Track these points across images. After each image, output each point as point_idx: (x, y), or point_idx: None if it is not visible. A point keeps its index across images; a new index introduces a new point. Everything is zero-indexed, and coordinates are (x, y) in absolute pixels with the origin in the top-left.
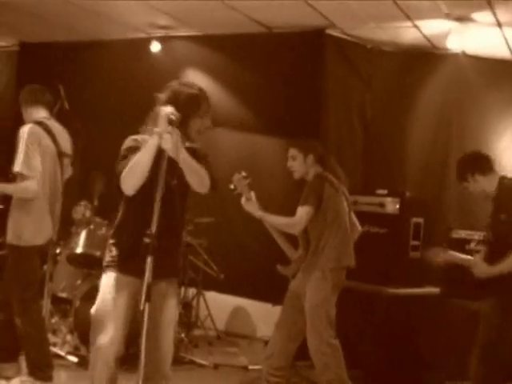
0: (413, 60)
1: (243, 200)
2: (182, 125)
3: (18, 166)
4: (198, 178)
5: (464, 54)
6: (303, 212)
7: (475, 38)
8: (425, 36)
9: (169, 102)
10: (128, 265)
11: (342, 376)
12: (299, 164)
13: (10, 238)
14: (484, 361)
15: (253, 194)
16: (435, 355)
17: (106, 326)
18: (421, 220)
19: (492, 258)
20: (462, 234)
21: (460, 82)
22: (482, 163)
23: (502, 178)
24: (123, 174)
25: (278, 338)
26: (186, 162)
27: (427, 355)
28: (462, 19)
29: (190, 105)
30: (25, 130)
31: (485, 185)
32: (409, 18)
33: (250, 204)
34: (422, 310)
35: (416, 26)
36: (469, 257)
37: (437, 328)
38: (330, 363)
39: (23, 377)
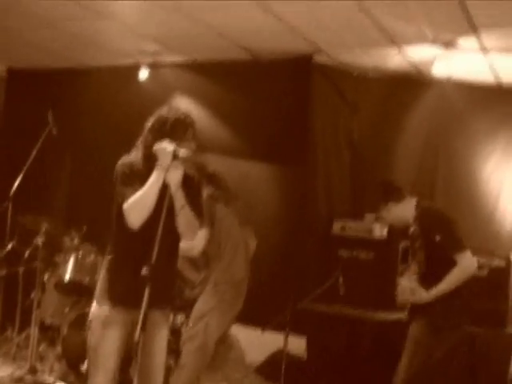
0: (399, 86)
1: None
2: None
3: None
4: (187, 227)
5: (450, 80)
6: (201, 233)
7: (461, 64)
8: (410, 62)
9: (156, 128)
10: (122, 295)
11: None
12: None
13: None
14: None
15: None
16: (424, 377)
17: (99, 364)
18: (408, 243)
19: (426, 280)
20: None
21: (446, 107)
22: (393, 192)
23: (419, 202)
24: (128, 207)
25: None
26: (181, 204)
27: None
28: (447, 45)
29: (176, 130)
30: None
31: (400, 211)
32: (394, 43)
33: None
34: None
35: (402, 53)
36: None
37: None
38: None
39: None
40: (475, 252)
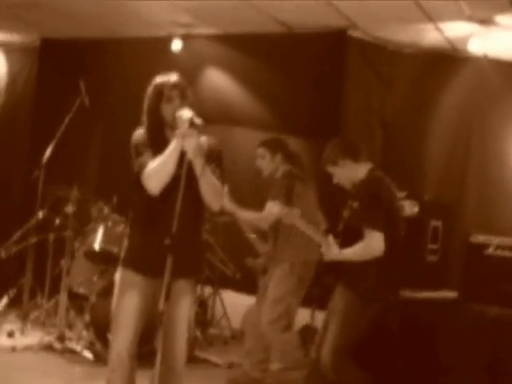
0: (434, 62)
1: None
2: (155, 113)
3: None
4: (211, 191)
5: (485, 57)
6: (272, 208)
7: (497, 41)
8: (446, 38)
9: (155, 96)
10: (143, 264)
11: (299, 362)
12: (267, 162)
13: None
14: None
15: (225, 187)
16: (452, 360)
17: (120, 325)
18: (439, 223)
19: (344, 242)
20: (480, 238)
21: (481, 85)
22: (354, 150)
23: (372, 170)
24: (147, 173)
25: (252, 335)
26: (201, 170)
27: (444, 360)
28: (484, 22)
29: (154, 94)
30: None
31: (352, 171)
32: (431, 19)
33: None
34: (440, 313)
35: (438, 28)
36: (318, 233)
37: (454, 332)
38: (286, 350)
39: None
40: (506, 233)
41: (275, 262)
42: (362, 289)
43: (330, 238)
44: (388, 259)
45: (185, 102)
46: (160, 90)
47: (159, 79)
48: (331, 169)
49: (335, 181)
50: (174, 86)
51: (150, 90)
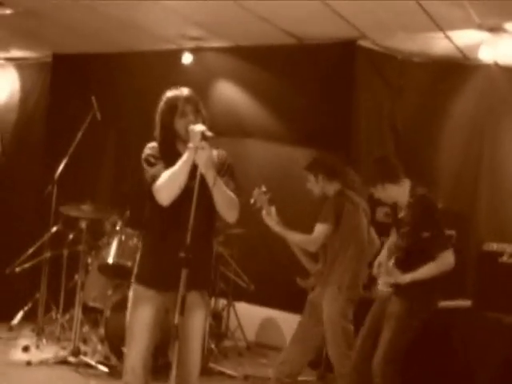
0: (444, 71)
1: (263, 214)
2: (169, 127)
3: None
4: (225, 203)
5: (496, 65)
6: (321, 230)
7: (507, 48)
8: (456, 47)
9: (169, 110)
10: (156, 278)
11: None
12: (313, 185)
13: None
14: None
15: (273, 208)
16: (468, 368)
17: (134, 339)
18: (453, 232)
19: (405, 264)
20: (494, 246)
21: (492, 92)
22: (392, 171)
23: (413, 188)
24: (158, 184)
25: (293, 349)
26: (215, 182)
27: (460, 368)
28: (494, 29)
29: (167, 108)
30: None
31: (395, 193)
32: (440, 28)
33: (270, 218)
34: (455, 322)
35: (447, 37)
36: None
37: (469, 341)
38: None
39: None
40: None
41: (325, 283)
42: (410, 294)
43: (390, 266)
44: None
45: (198, 116)
46: (173, 105)
47: (171, 93)
48: (372, 189)
49: (377, 198)
50: (188, 100)
51: (162, 104)
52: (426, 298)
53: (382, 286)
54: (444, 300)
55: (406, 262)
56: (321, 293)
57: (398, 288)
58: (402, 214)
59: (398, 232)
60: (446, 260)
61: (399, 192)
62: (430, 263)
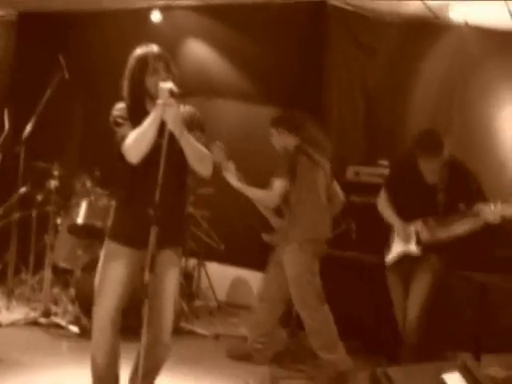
0: (415, 30)
1: (223, 170)
2: (139, 85)
3: None
4: (197, 157)
5: (467, 25)
6: (276, 184)
7: (478, 8)
8: (427, 6)
9: (139, 67)
10: (129, 235)
11: (335, 340)
12: (275, 139)
13: None
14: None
15: (232, 164)
16: (436, 325)
17: (103, 296)
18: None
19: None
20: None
21: (462, 52)
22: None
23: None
24: (127, 143)
25: (261, 309)
26: (185, 138)
27: (428, 325)
28: None
29: (138, 66)
30: None
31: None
32: None
33: (229, 174)
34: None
35: None
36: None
37: (438, 298)
38: (322, 329)
39: None
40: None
41: (286, 239)
42: (448, 256)
43: (420, 224)
44: None
45: (169, 73)
46: (144, 62)
47: (141, 50)
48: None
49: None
50: (159, 57)
51: (132, 61)
52: (453, 256)
53: (413, 248)
54: None
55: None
56: (282, 249)
57: (434, 246)
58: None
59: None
60: (486, 211)
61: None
62: (468, 218)
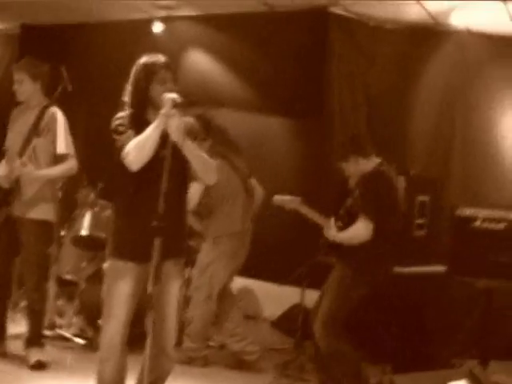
0: (416, 37)
1: None
2: (143, 92)
3: (65, 148)
4: (203, 166)
5: (468, 31)
6: (193, 188)
7: (479, 13)
8: (428, 13)
9: (131, 74)
10: (131, 250)
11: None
12: None
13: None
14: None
15: None
16: (441, 333)
17: (111, 314)
18: (426, 198)
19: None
20: (467, 211)
21: (464, 58)
22: (367, 147)
23: (380, 164)
24: (128, 149)
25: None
26: (190, 149)
27: (433, 333)
28: None
29: (145, 74)
30: (58, 113)
31: (362, 167)
32: None
33: None
34: (428, 287)
35: (419, 3)
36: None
37: (443, 306)
38: (203, 316)
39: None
40: (493, 206)
41: (203, 238)
42: (353, 262)
43: (331, 221)
44: (378, 238)
45: (176, 85)
46: (152, 71)
47: (149, 59)
48: (344, 165)
49: (346, 174)
50: (168, 67)
51: (138, 69)
52: (361, 262)
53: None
54: (418, 265)
55: (343, 223)
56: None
57: (339, 253)
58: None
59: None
60: (363, 229)
61: (366, 166)
62: (351, 226)
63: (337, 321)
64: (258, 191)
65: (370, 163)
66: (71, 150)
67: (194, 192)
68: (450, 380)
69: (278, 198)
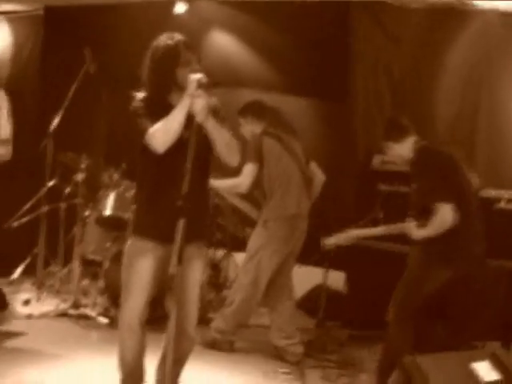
0: (441, 17)
1: None
2: (167, 76)
3: (7, 133)
4: (226, 148)
5: (493, 11)
6: (246, 170)
7: None
8: None
9: (149, 58)
10: (154, 230)
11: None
12: (244, 127)
13: None
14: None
15: None
16: (461, 315)
17: (131, 293)
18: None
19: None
20: (491, 193)
21: (489, 38)
22: (393, 131)
23: (415, 143)
24: (153, 131)
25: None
26: (215, 129)
27: (453, 315)
28: None
29: (168, 56)
30: (2, 96)
31: (399, 151)
32: None
33: None
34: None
35: None
36: (400, 225)
37: (464, 288)
38: (244, 301)
39: None
40: None
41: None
42: (429, 251)
43: (411, 222)
44: (458, 226)
45: (200, 65)
46: (175, 52)
47: (170, 40)
48: (387, 146)
49: (391, 158)
50: (191, 48)
51: (161, 50)
52: (439, 251)
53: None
54: None
55: (419, 218)
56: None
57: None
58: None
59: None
60: (445, 214)
61: (402, 149)
62: (432, 219)
63: (405, 307)
64: (319, 175)
65: (406, 145)
66: (10, 136)
67: (247, 173)
68: (473, 361)
69: (331, 240)
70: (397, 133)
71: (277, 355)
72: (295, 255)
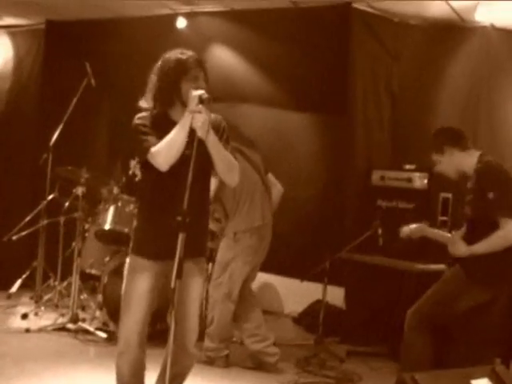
0: (440, 33)
1: None
2: (173, 88)
3: None
4: (226, 166)
5: (493, 27)
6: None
7: (504, 9)
8: (452, 8)
9: (159, 69)
10: (154, 250)
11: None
12: None
13: None
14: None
15: None
16: (464, 331)
17: (130, 310)
18: (449, 195)
19: (470, 236)
20: None
21: (488, 55)
22: (461, 140)
23: (483, 156)
24: (156, 149)
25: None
26: (215, 146)
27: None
28: None
29: (176, 69)
30: None
31: (458, 160)
32: None
33: None
34: None
35: None
36: (447, 234)
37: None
38: (222, 315)
39: None
40: None
41: (222, 235)
42: (475, 269)
43: (457, 236)
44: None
45: (207, 83)
46: (185, 67)
47: (181, 55)
48: (436, 157)
49: (437, 169)
50: (201, 65)
51: (170, 65)
52: (482, 271)
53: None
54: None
55: (471, 232)
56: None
57: (459, 260)
58: (468, 184)
59: (461, 203)
60: (504, 233)
61: (465, 159)
62: (496, 232)
63: (423, 315)
64: (277, 187)
65: (472, 156)
66: None
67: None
68: (472, 378)
69: (406, 229)
70: (464, 142)
71: (254, 363)
72: (260, 264)
